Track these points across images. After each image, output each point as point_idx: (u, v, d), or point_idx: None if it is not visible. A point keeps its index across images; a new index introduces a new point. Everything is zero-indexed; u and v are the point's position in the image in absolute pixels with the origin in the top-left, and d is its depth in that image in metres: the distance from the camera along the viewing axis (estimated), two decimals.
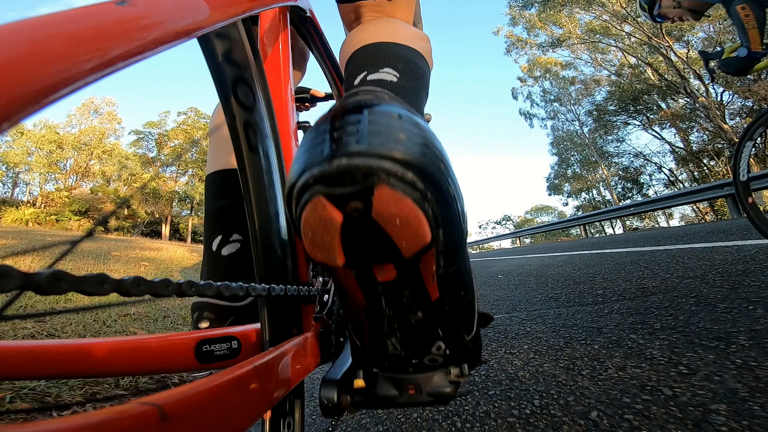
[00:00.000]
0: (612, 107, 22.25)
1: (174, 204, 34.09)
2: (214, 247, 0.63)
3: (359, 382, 0.37)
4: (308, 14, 0.69)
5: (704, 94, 16.88)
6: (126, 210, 31.25)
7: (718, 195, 7.01)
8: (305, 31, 0.76)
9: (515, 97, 28.91)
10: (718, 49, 1.72)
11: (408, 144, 0.21)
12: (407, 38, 0.50)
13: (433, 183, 0.22)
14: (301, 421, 0.45)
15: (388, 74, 0.42)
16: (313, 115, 1.12)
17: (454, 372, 0.35)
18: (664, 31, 16.59)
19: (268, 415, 0.42)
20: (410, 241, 0.22)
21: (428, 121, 0.83)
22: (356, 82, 0.43)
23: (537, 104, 28.43)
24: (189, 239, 33.04)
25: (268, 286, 0.35)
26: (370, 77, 0.42)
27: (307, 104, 1.05)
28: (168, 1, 0.24)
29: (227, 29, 0.41)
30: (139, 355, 0.39)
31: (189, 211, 35.93)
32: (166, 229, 33.24)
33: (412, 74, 0.44)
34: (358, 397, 0.39)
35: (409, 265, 0.26)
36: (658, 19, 1.94)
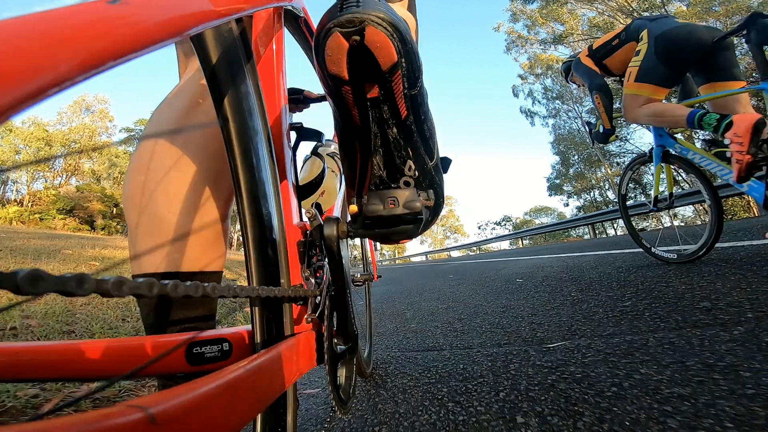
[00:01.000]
0: (617, 105, 22.43)
1: None
2: None
3: (353, 208, 0.48)
4: (302, 15, 0.69)
5: None
6: (115, 209, 30.78)
7: (725, 195, 6.36)
8: (299, 31, 0.76)
9: (516, 95, 28.49)
10: (593, 122, 2.41)
11: (384, 10, 0.35)
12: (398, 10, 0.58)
13: (397, 29, 0.36)
14: (293, 424, 0.45)
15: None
16: (306, 116, 1.12)
17: (422, 195, 0.47)
18: None
19: (259, 418, 0.42)
20: (385, 58, 0.36)
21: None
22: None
23: (538, 102, 28.04)
24: None
25: (259, 288, 0.35)
26: None
27: (300, 105, 1.04)
28: (160, 1, 0.23)
29: (221, 29, 0.41)
30: (129, 356, 0.39)
31: None
32: None
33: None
34: (353, 225, 0.49)
35: (386, 81, 0.38)
36: (572, 83, 2.66)
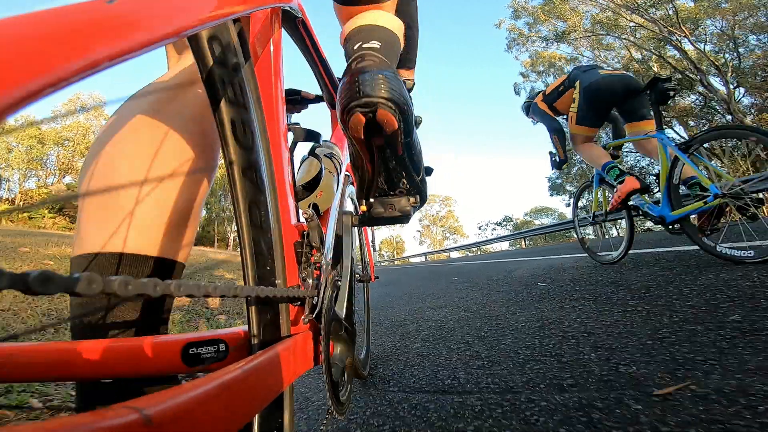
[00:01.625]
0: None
1: None
2: (354, 48, 0.63)
3: (363, 208, 0.66)
4: (300, 16, 0.69)
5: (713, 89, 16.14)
6: None
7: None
8: (297, 32, 0.76)
9: (517, 93, 27.77)
10: (553, 152, 3.02)
11: (390, 90, 0.50)
12: (387, 22, 0.67)
13: (399, 107, 0.51)
14: (290, 425, 0.44)
15: (375, 44, 0.61)
16: (304, 117, 1.11)
17: (411, 200, 0.65)
18: (680, 20, 15.93)
19: (256, 419, 0.42)
20: (389, 127, 0.52)
21: (411, 88, 1.04)
22: (355, 47, 0.61)
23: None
24: None
25: (256, 288, 0.35)
26: (364, 46, 0.61)
27: (297, 106, 1.04)
28: (158, 0, 0.23)
29: (218, 29, 0.41)
30: (125, 357, 0.38)
31: None
32: None
33: (389, 44, 0.64)
34: (363, 216, 0.66)
35: (389, 137, 0.55)
36: (530, 119, 3.27)
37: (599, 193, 2.77)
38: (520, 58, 26.27)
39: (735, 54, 16.02)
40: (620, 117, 2.57)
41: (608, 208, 2.49)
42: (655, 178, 2.26)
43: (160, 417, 0.19)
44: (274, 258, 0.46)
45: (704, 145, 1.92)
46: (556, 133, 2.87)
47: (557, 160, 2.96)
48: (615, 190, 2.32)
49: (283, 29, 0.61)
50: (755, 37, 15.63)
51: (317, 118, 1.37)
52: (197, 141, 0.54)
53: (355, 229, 0.97)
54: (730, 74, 15.62)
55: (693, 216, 1.98)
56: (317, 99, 1.04)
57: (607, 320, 1.32)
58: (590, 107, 2.48)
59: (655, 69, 18.98)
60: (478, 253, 24.73)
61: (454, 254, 25.15)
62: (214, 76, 0.42)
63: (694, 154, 1.95)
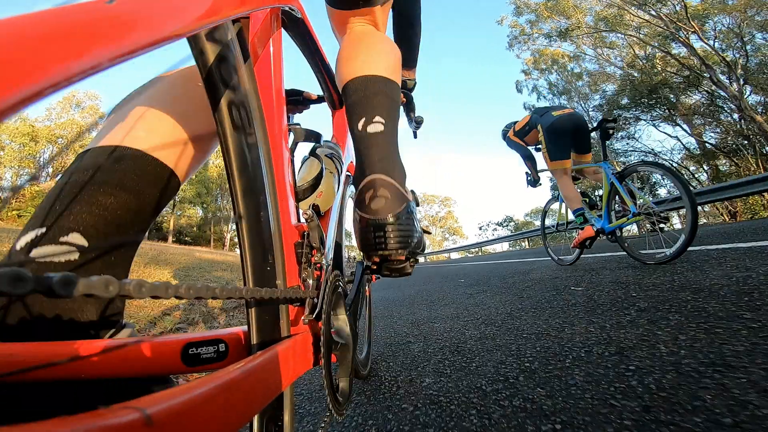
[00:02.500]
0: (624, 101, 20.37)
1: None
2: (20, 245, 0.39)
3: (374, 277, 0.86)
4: (300, 16, 0.69)
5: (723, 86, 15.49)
6: None
7: (749, 192, 6.08)
8: (297, 33, 0.76)
9: (519, 90, 27.34)
10: (529, 173, 3.50)
11: (402, 241, 0.57)
12: (388, 68, 0.67)
13: (411, 248, 0.59)
14: (290, 425, 0.44)
15: (379, 124, 0.62)
16: (306, 117, 1.12)
17: (411, 262, 0.68)
18: (689, 16, 15.47)
19: (256, 419, 0.42)
20: (398, 261, 0.63)
21: (412, 88, 1.16)
22: (359, 127, 0.62)
23: (544, 97, 26.66)
24: (171, 238, 31.86)
25: (256, 289, 0.35)
26: (369, 129, 0.61)
27: (299, 106, 1.04)
28: (157, 1, 0.23)
29: (217, 30, 0.41)
30: (124, 358, 0.38)
31: (170, 209, 34.68)
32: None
33: (392, 113, 0.65)
34: (374, 272, 0.70)
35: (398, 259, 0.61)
36: (508, 144, 3.67)
37: (562, 208, 3.48)
38: (521, 56, 25.76)
39: (743, 51, 15.71)
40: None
41: (572, 245, 3.11)
42: (598, 198, 2.93)
43: (161, 417, 0.19)
44: (274, 258, 0.46)
45: (633, 174, 2.53)
46: (528, 159, 3.46)
47: (532, 180, 3.53)
48: (577, 232, 3.00)
49: (283, 30, 0.61)
50: (761, 35, 15.33)
51: (318, 118, 1.37)
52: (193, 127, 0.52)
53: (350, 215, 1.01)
54: (739, 70, 15.26)
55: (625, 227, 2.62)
56: (319, 99, 1.04)
57: (738, 346, 0.86)
58: (555, 144, 3.03)
59: (659, 67, 18.65)
60: (479, 253, 24.39)
61: (454, 255, 25.05)
62: (213, 76, 0.42)
63: (625, 181, 2.54)
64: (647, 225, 2.44)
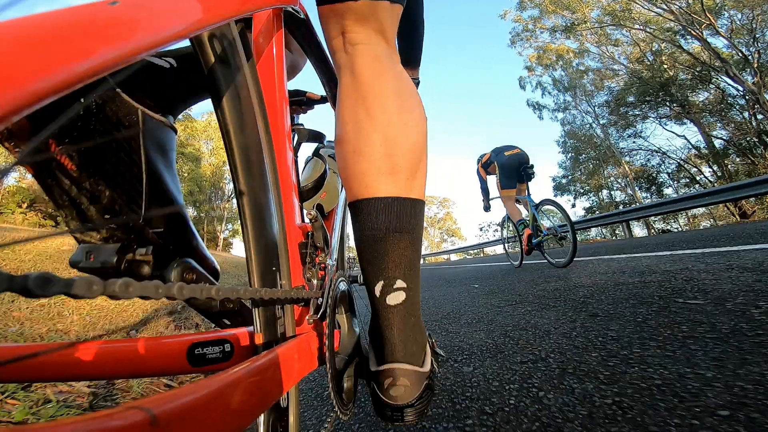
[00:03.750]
0: (632, 98, 19.79)
1: None
2: (377, 293, 0.51)
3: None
4: (303, 17, 0.69)
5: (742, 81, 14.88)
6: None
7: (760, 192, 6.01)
8: (300, 33, 0.76)
9: (522, 87, 27.03)
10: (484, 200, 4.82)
11: (421, 414, 0.52)
12: (410, 175, 0.51)
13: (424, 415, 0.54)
14: (296, 425, 0.44)
15: (401, 292, 0.50)
16: (308, 117, 1.12)
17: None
18: (704, 7, 14.93)
19: (262, 418, 0.42)
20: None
21: (416, 86, 0.95)
22: (376, 292, 0.51)
23: (548, 93, 26.23)
24: None
25: (261, 289, 0.35)
26: (389, 300, 0.50)
27: (303, 107, 1.04)
28: (161, 2, 0.24)
29: (220, 30, 0.41)
30: (131, 358, 0.39)
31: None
32: None
33: (415, 268, 0.53)
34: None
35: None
36: (477, 172, 4.91)
37: (510, 225, 4.69)
38: (523, 54, 25.46)
39: (756, 46, 15.29)
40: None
41: (524, 249, 4.18)
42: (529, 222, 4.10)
43: (166, 417, 0.19)
44: (278, 259, 0.46)
45: (543, 206, 3.93)
46: (484, 192, 4.87)
47: (485, 206, 4.88)
48: (521, 236, 4.18)
49: (285, 30, 0.61)
50: None
51: (322, 119, 1.37)
52: None
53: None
54: (756, 65, 14.83)
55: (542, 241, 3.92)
56: (322, 100, 1.04)
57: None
58: (505, 177, 4.28)
59: (668, 63, 18.23)
60: (480, 255, 23.79)
61: (453, 257, 24.83)
62: (217, 76, 0.42)
63: (539, 209, 3.93)
64: (559, 236, 3.73)
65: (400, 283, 0.50)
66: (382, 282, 0.50)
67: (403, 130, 0.50)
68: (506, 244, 5.18)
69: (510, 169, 4.20)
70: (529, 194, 4.17)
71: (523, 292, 2.38)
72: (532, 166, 4.12)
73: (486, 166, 4.72)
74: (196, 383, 0.24)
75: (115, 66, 0.18)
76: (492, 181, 4.64)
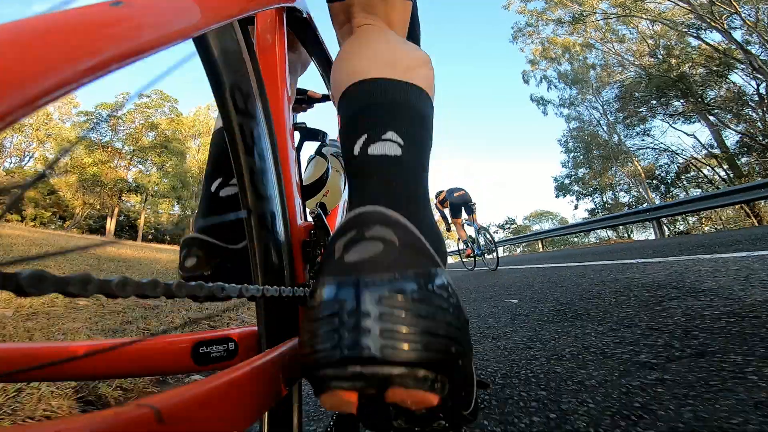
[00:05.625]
0: (644, 93, 19.14)
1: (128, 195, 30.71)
2: (213, 188, 0.66)
3: None
4: (305, 15, 0.69)
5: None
6: (50, 197, 28.22)
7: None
8: (302, 32, 0.76)
9: (526, 81, 26.51)
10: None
11: (419, 341, 0.24)
12: (408, 68, 0.44)
13: (444, 367, 0.25)
14: (299, 422, 0.45)
15: (391, 144, 0.38)
16: (310, 116, 1.12)
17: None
18: None
19: (266, 416, 0.42)
20: (420, 407, 0.25)
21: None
22: (356, 151, 0.39)
23: (554, 86, 25.59)
24: (140, 237, 30.55)
25: (263, 287, 0.35)
26: (371, 151, 0.38)
27: (304, 105, 1.05)
28: (163, 2, 0.24)
29: (223, 30, 0.41)
30: (135, 356, 0.39)
31: (142, 203, 32.40)
32: (111, 224, 30.47)
33: (417, 134, 0.40)
34: None
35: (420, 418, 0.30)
36: (439, 211, 6.91)
37: (462, 245, 6.69)
38: (525, 51, 25.03)
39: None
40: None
41: (464, 258, 6.69)
42: (471, 239, 6.25)
43: (171, 413, 0.19)
44: (282, 257, 0.47)
45: (486, 229, 6.12)
46: (444, 218, 6.68)
47: (446, 227, 6.63)
48: (465, 250, 6.42)
49: (288, 28, 0.61)
50: None
51: (323, 117, 1.37)
52: None
53: None
54: None
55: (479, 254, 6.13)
56: (324, 98, 1.04)
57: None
58: (453, 210, 6.37)
59: (681, 57, 17.69)
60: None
61: (450, 259, 24.45)
62: (220, 76, 0.42)
63: (479, 232, 5.98)
64: (489, 252, 5.91)
65: (391, 136, 0.38)
66: (365, 135, 0.38)
67: (400, 52, 0.46)
68: (461, 255, 7.09)
69: (457, 205, 6.26)
70: (473, 221, 6.13)
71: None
72: (474, 204, 6.10)
73: (442, 201, 6.64)
74: (201, 381, 0.24)
75: (118, 67, 0.19)
76: (447, 211, 6.59)
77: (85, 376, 0.38)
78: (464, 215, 6.39)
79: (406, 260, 0.27)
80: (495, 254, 5.51)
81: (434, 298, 0.26)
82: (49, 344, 0.36)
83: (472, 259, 6.43)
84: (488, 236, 5.84)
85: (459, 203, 6.17)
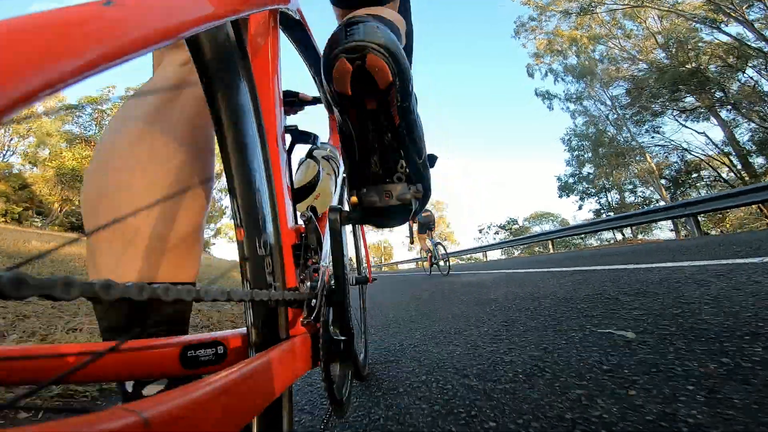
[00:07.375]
0: (658, 87, 18.34)
1: None
2: None
3: (354, 199, 0.54)
4: (298, 17, 0.69)
5: None
6: (21, 192, 26.68)
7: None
8: (295, 35, 0.76)
9: (531, 75, 26.01)
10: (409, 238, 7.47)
11: (383, 37, 0.42)
12: (388, 15, 0.56)
13: (393, 54, 0.42)
14: (289, 427, 0.44)
15: (373, 18, 0.50)
16: (301, 118, 1.11)
17: (412, 189, 0.53)
18: None
19: (255, 421, 0.42)
20: (382, 79, 0.43)
21: None
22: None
23: (562, 79, 24.85)
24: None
25: (254, 291, 0.35)
26: (357, 13, 0.52)
27: (295, 108, 1.04)
28: (155, 2, 0.23)
29: (216, 31, 0.41)
30: (122, 360, 0.38)
31: None
32: None
33: (390, 24, 0.54)
34: (353, 213, 0.56)
35: (382, 96, 0.45)
36: (409, 226, 7.30)
37: (423, 253, 8.99)
38: (528, 46, 24.45)
39: None
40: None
41: (428, 265, 8.01)
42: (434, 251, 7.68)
43: (158, 419, 0.19)
44: (272, 261, 0.46)
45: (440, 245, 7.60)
46: (410, 232, 7.04)
47: (410, 241, 6.94)
48: (428, 258, 7.92)
49: (280, 31, 0.61)
50: None
51: (314, 120, 1.37)
52: (194, 152, 0.53)
53: (349, 227, 0.93)
54: None
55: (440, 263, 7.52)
56: (315, 101, 1.04)
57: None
58: (420, 228, 7.77)
59: (694, 51, 17.15)
60: (473, 260, 22.26)
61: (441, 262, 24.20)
62: (211, 77, 0.42)
63: (436, 245, 7.57)
64: (443, 261, 7.29)
65: (372, 14, 0.51)
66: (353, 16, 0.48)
67: (384, 11, 0.55)
68: (423, 262, 8.73)
69: (423, 224, 7.64)
70: (432, 237, 7.75)
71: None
72: (433, 222, 7.79)
73: (411, 218, 7.63)
74: (189, 386, 0.23)
75: (109, 66, 0.18)
76: (415, 227, 7.65)
77: (68, 379, 0.37)
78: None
79: (380, 21, 0.46)
80: (447, 262, 7.24)
81: (394, 34, 0.45)
82: (33, 348, 0.35)
83: (435, 265, 7.71)
84: (443, 248, 7.42)
85: (424, 222, 7.74)
